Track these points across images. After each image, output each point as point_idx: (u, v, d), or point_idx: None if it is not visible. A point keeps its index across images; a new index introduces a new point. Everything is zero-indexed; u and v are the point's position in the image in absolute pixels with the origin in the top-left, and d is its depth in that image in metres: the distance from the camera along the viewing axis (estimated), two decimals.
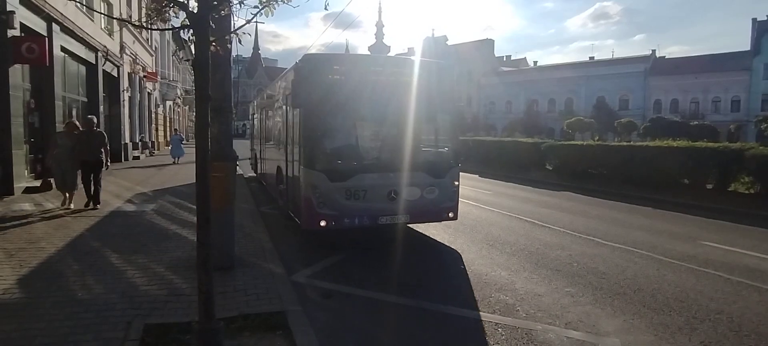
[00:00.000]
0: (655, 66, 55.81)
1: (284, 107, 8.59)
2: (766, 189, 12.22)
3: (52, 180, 9.50)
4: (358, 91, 7.03)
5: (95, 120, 10.00)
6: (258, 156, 14.45)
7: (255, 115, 16.17)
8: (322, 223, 6.73)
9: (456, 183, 7.64)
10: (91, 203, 9.31)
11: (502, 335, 4.32)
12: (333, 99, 6.87)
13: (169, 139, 31.32)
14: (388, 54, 64.34)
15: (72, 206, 9.18)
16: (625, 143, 19.93)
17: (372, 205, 6.90)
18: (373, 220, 6.94)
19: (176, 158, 21.63)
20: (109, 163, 9.86)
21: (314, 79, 6.83)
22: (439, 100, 7.69)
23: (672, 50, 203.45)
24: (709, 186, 13.71)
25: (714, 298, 5.34)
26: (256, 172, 15.67)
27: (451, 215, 7.56)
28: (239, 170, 15.34)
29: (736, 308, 5.06)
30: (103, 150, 9.48)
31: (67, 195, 9.21)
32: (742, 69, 49.12)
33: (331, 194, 6.73)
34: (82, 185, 9.41)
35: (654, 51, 58.20)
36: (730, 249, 7.66)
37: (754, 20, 50.37)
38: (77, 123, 9.84)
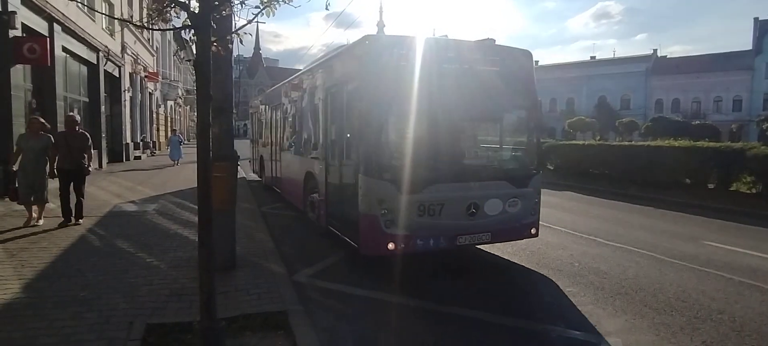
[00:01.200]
0: (657, 65, 55.79)
1: (324, 101, 7.33)
2: None
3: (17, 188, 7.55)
4: (432, 83, 5.75)
5: (78, 119, 8.12)
6: (268, 159, 12.88)
7: (262, 114, 14.19)
8: (391, 246, 5.49)
9: (538, 194, 6.51)
10: (72, 219, 7.77)
11: (503, 335, 4.32)
12: (402, 92, 5.64)
13: (169, 138, 31.19)
14: None
15: (41, 221, 7.68)
16: (626, 143, 19.94)
17: (449, 222, 5.72)
18: (450, 241, 5.76)
19: (175, 161, 20.72)
20: (90, 169, 8.12)
21: (380, 66, 5.64)
22: (522, 95, 6.47)
23: (673, 50, 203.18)
24: (711, 186, 13.68)
25: (716, 298, 5.33)
26: (261, 177, 14.25)
27: (533, 231, 6.43)
28: (241, 173, 15.33)
29: (738, 308, 5.06)
30: (86, 155, 7.86)
31: (36, 210, 7.66)
32: (743, 68, 49.08)
33: (402, 209, 5.48)
34: (59, 199, 7.79)
35: (655, 50, 58.30)
36: (732, 249, 7.65)
37: (755, 19, 50.41)
38: (42, 120, 7.92)
